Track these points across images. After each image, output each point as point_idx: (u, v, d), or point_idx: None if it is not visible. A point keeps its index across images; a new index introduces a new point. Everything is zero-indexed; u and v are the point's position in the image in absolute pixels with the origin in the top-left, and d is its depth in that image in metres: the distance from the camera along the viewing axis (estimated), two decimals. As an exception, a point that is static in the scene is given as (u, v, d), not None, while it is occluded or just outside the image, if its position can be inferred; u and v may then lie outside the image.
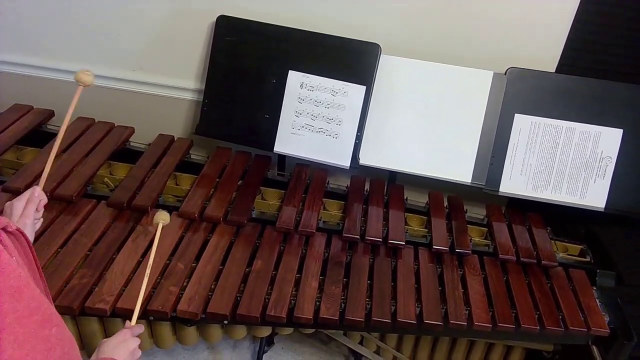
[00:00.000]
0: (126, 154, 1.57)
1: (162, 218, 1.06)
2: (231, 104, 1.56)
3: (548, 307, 1.27)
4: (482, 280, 1.33)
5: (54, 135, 1.56)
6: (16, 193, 1.33)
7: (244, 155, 1.61)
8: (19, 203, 0.92)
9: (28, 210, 0.92)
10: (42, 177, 1.00)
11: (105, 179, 1.45)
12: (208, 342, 1.65)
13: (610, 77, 1.48)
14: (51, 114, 1.67)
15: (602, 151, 1.46)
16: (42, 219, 0.98)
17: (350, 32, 1.49)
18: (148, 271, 1.01)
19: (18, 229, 0.57)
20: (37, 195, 0.94)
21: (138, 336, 0.95)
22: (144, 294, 1.00)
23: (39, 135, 1.58)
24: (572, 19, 1.49)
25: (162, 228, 1.05)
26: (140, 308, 0.99)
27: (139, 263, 1.22)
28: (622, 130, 1.45)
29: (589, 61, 1.55)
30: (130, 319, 0.98)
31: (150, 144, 1.62)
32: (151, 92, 1.74)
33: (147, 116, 1.74)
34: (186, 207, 1.38)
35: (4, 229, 0.54)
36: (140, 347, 0.95)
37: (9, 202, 0.92)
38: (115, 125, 1.66)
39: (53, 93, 1.74)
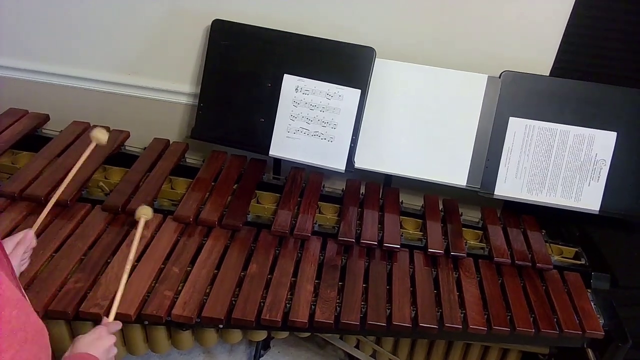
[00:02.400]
0: (121, 158, 1.57)
1: (144, 213, 1.11)
2: (226, 107, 1.56)
3: (543, 309, 1.27)
4: (477, 283, 1.33)
5: (49, 139, 1.57)
6: (11, 197, 1.33)
7: (239, 159, 1.61)
8: (10, 243, 0.95)
9: (17, 251, 0.95)
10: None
11: (100, 183, 1.45)
12: (204, 346, 1.64)
13: (604, 80, 1.49)
14: (46, 118, 1.67)
15: (596, 154, 1.47)
16: (29, 261, 1.01)
17: (345, 36, 1.49)
18: (128, 267, 1.03)
19: None
20: (29, 238, 0.98)
21: (115, 334, 0.96)
22: (122, 290, 1.02)
23: (34, 140, 1.58)
24: (566, 23, 1.50)
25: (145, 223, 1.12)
26: (119, 305, 1.01)
27: (134, 267, 1.22)
28: (616, 133, 1.46)
29: (583, 64, 1.56)
30: (108, 316, 0.99)
31: (145, 148, 1.62)
32: (146, 96, 1.74)
33: (142, 120, 1.74)
34: (181, 211, 1.37)
35: None
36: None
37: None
38: (111, 129, 1.66)
39: (48, 97, 1.74)
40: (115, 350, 0.95)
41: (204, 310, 1.15)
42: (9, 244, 0.95)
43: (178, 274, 1.22)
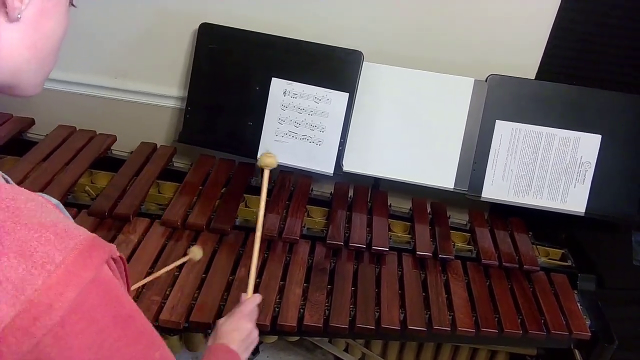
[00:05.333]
0: (108, 162, 1.56)
1: (268, 162, 1.06)
2: (214, 111, 1.55)
3: (530, 311, 1.28)
4: (465, 286, 1.33)
5: (34, 143, 1.55)
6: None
7: (227, 163, 1.60)
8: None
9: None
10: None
11: (87, 188, 1.43)
12: (192, 352, 1.63)
13: (588, 83, 1.51)
14: (31, 122, 1.65)
15: (581, 156, 1.48)
16: None
17: (333, 39, 1.50)
18: (259, 233, 1.05)
19: (120, 256, 0.56)
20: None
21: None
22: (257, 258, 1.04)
23: (18, 144, 1.56)
24: (551, 27, 1.52)
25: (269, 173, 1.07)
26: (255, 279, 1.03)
27: (120, 272, 1.20)
28: (600, 136, 1.47)
29: (568, 68, 1.58)
30: (246, 291, 0.98)
31: (132, 152, 1.61)
32: (133, 100, 1.73)
33: (129, 124, 1.73)
34: (169, 215, 1.37)
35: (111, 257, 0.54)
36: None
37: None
38: (97, 133, 1.65)
39: (33, 101, 1.72)
40: (256, 333, 0.93)
41: (192, 314, 1.14)
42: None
43: (166, 278, 1.21)
